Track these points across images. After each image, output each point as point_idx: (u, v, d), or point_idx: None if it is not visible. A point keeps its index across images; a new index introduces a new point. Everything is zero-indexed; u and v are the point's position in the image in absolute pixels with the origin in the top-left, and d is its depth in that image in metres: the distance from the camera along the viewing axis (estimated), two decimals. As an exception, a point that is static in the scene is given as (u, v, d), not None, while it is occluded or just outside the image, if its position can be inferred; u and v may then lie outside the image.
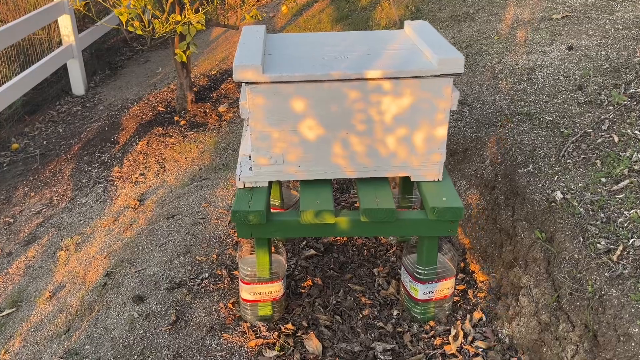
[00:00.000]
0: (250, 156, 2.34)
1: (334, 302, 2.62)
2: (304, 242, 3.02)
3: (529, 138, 3.04)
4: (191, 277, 2.75)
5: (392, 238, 3.00)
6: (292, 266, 2.84)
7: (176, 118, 4.72)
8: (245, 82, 2.14)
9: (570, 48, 3.94)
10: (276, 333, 2.41)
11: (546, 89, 3.51)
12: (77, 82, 5.90)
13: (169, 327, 2.46)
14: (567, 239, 2.30)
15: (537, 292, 2.30)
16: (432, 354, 2.36)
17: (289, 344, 2.37)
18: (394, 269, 2.83)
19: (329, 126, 2.26)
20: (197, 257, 2.88)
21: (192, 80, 5.25)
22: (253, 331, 2.43)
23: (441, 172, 2.37)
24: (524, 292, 2.37)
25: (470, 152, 3.29)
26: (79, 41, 5.82)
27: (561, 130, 3.00)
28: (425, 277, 2.40)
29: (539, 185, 2.64)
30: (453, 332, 2.43)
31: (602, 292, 2.04)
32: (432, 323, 2.49)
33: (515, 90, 3.62)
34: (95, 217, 3.73)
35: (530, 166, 2.79)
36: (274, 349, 2.34)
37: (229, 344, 2.37)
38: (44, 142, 5.03)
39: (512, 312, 2.40)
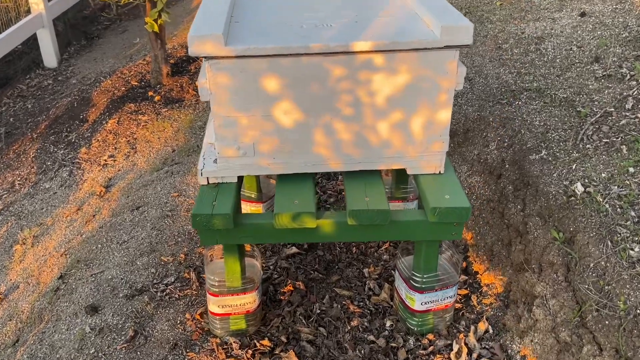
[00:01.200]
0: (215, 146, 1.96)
1: (318, 310, 2.27)
2: (285, 238, 2.66)
3: (540, 118, 2.67)
4: (154, 281, 2.40)
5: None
6: (271, 267, 2.49)
7: (150, 93, 4.32)
8: (205, 57, 1.75)
9: (582, 14, 3.55)
10: (250, 351, 2.06)
11: (557, 61, 3.14)
12: (49, 54, 5.48)
13: (125, 345, 2.11)
14: (592, 242, 1.95)
15: (555, 303, 1.96)
16: (431, 374, 2.03)
17: (264, 364, 2.03)
18: (387, 270, 2.48)
19: (309, 110, 1.88)
20: (162, 257, 2.52)
21: (169, 51, 4.84)
22: (223, 349, 2.08)
23: (443, 164, 2.00)
24: (538, 303, 2.03)
25: (472, 134, 2.92)
26: (49, 9, 5.39)
27: (578, 109, 2.63)
28: (423, 286, 2.05)
29: (555, 175, 2.29)
30: (455, 347, 2.09)
31: (638, 312, 1.70)
32: (430, 336, 2.15)
33: (522, 62, 3.24)
34: (58, 205, 3.37)
35: (544, 152, 2.43)
36: (247, 371, 2.00)
37: (195, 365, 2.03)
38: (11, 120, 4.65)
39: (524, 325, 2.06)
